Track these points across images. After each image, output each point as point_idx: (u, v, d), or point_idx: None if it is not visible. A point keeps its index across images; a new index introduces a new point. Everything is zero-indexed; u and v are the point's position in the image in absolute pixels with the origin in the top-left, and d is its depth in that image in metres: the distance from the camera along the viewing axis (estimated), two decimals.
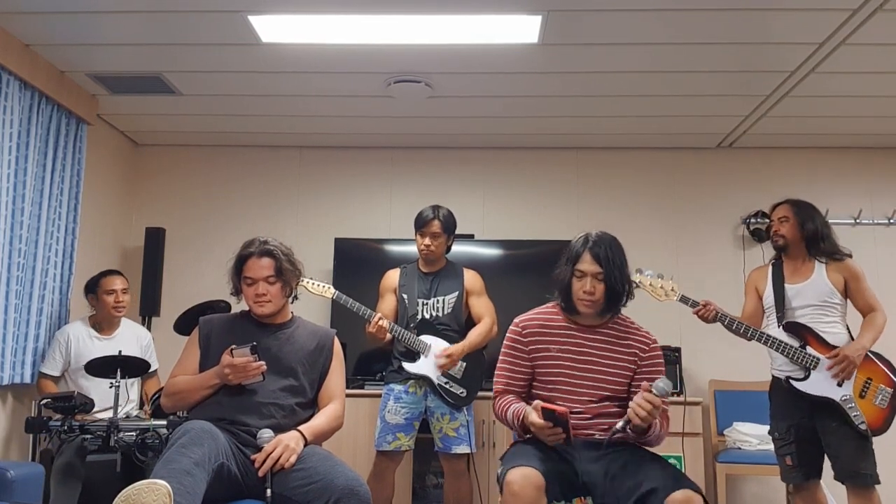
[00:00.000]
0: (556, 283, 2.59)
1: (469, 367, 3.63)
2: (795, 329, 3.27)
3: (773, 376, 3.41)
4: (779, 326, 3.32)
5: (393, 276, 3.80)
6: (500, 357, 2.65)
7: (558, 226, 5.00)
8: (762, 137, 4.88)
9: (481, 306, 3.74)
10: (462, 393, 3.60)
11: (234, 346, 2.58)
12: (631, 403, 2.33)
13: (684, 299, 3.29)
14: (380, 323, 3.48)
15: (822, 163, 5.06)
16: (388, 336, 3.56)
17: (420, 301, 3.68)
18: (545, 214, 5.06)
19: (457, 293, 3.71)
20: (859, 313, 3.33)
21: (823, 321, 3.27)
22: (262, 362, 2.59)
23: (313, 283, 3.58)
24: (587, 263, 2.51)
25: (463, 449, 3.59)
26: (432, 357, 3.59)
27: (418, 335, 3.61)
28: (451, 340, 3.64)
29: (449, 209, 3.73)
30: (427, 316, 3.67)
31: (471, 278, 3.77)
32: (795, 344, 3.25)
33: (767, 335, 3.27)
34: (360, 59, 3.79)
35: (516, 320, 2.66)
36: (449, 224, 3.68)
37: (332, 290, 3.60)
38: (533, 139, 5.02)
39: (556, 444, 2.38)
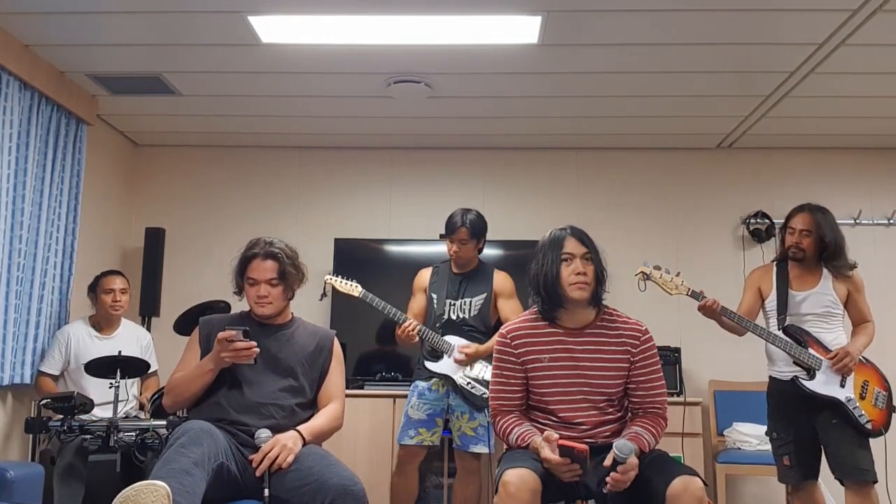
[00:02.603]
0: (536, 281, 2.48)
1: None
2: (796, 333, 3.28)
3: (770, 377, 3.42)
4: (779, 328, 3.33)
5: (424, 275, 3.82)
6: (492, 372, 2.57)
7: (558, 226, 4.99)
8: (762, 138, 4.88)
9: (509, 309, 3.70)
10: (483, 395, 3.57)
11: (227, 326, 2.58)
12: (609, 480, 2.20)
13: (694, 294, 3.27)
14: (408, 329, 3.52)
15: (821, 163, 5.06)
16: (417, 339, 3.58)
17: (448, 301, 3.69)
18: (545, 215, 5.06)
19: (485, 295, 3.70)
20: (851, 322, 3.39)
21: (823, 328, 3.31)
22: (255, 342, 2.57)
23: (341, 282, 3.61)
24: (573, 246, 2.47)
25: (480, 448, 3.59)
26: (455, 356, 3.62)
27: (443, 335, 3.62)
28: (477, 342, 3.64)
29: (478, 212, 3.70)
30: (453, 317, 3.67)
31: (501, 280, 3.75)
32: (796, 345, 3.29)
33: (775, 334, 3.29)
34: (359, 60, 3.79)
35: (502, 330, 2.58)
36: (477, 229, 3.66)
37: (360, 288, 3.62)
38: (533, 139, 5.02)
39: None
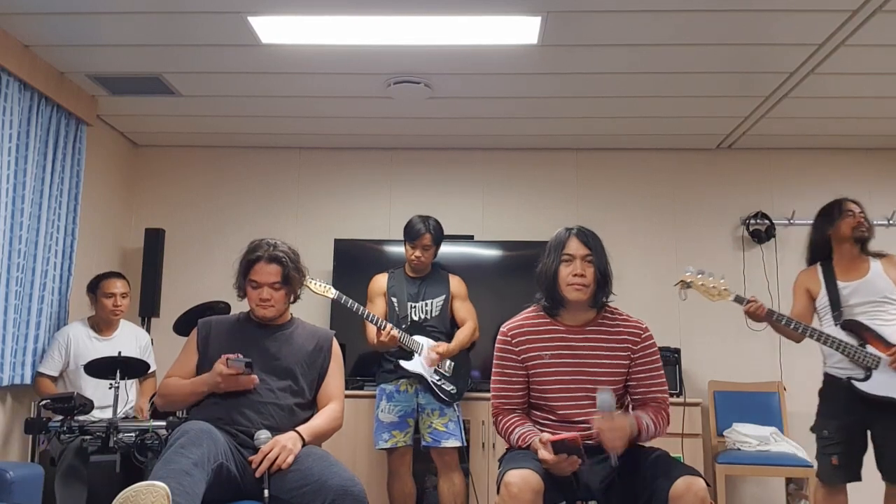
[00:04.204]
0: (540, 279, 2.52)
1: (457, 365, 3.78)
2: (854, 327, 3.16)
3: (826, 374, 3.30)
4: (835, 325, 3.21)
5: (381, 280, 3.91)
6: (493, 370, 2.57)
7: (557, 227, 4.88)
8: (762, 138, 4.88)
9: (465, 310, 3.90)
10: (452, 390, 3.72)
11: (229, 356, 2.57)
12: (595, 429, 2.28)
13: (738, 299, 3.18)
14: (392, 333, 3.57)
15: (821, 163, 5.06)
16: (398, 342, 3.62)
17: (409, 304, 3.80)
18: (544, 215, 5.06)
19: (444, 297, 3.85)
20: None
21: (882, 318, 3.16)
22: (255, 376, 2.59)
23: (315, 283, 3.62)
24: (575, 247, 2.48)
25: (452, 442, 3.67)
26: (425, 355, 3.70)
27: (411, 336, 3.71)
28: (439, 341, 3.78)
29: (437, 219, 3.83)
30: (416, 318, 3.79)
31: (456, 284, 3.92)
32: (854, 342, 3.15)
33: (827, 334, 3.17)
34: (359, 60, 3.79)
35: (503, 328, 2.58)
36: (438, 236, 3.81)
37: (334, 290, 3.65)
38: (532, 140, 5.02)
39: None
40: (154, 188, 5.20)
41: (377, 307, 3.83)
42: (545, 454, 2.25)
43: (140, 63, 3.87)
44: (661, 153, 5.14)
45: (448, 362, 3.75)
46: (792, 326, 3.20)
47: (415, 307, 3.79)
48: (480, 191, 5.14)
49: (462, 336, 3.80)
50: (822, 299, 3.31)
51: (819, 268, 3.36)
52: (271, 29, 3.45)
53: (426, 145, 5.14)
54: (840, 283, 3.26)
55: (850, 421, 3.17)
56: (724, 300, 3.17)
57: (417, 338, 3.72)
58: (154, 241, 4.82)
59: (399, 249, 4.82)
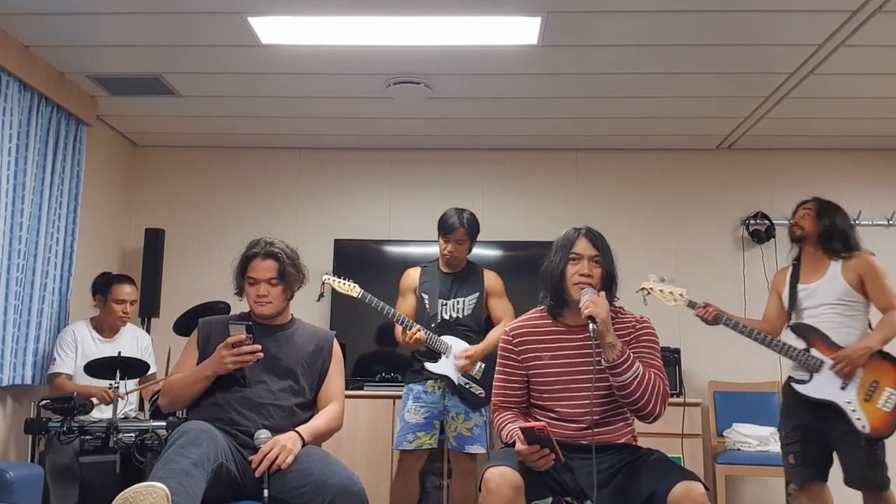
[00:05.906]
0: (545, 277, 2.52)
1: (488, 367, 3.61)
2: (802, 330, 3.21)
3: (789, 375, 3.32)
4: (787, 327, 3.27)
5: (413, 275, 3.78)
6: (496, 368, 2.60)
7: (557, 227, 4.85)
8: (761, 139, 4.88)
9: (501, 308, 3.73)
10: (481, 393, 3.59)
11: (230, 323, 2.58)
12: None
13: (691, 304, 3.28)
14: (417, 335, 3.46)
15: (821, 164, 5.06)
16: (424, 343, 3.53)
17: (440, 302, 3.67)
18: (544, 216, 5.06)
19: (477, 294, 3.71)
20: (880, 312, 3.16)
21: (838, 321, 3.16)
22: (258, 346, 2.58)
23: (339, 282, 3.58)
24: (583, 246, 2.48)
25: (476, 449, 3.58)
26: (453, 357, 3.59)
27: (439, 336, 3.60)
28: (471, 341, 3.64)
29: (472, 212, 3.70)
30: (447, 317, 3.66)
31: (491, 280, 3.76)
32: (800, 346, 3.19)
33: (770, 338, 3.22)
34: (359, 61, 3.79)
35: (506, 328, 2.61)
36: (473, 230, 3.67)
37: (358, 289, 3.58)
38: (532, 140, 5.02)
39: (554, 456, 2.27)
40: (154, 188, 5.20)
41: (407, 303, 3.72)
42: (519, 446, 2.27)
43: (140, 63, 3.87)
44: (661, 153, 5.14)
45: (479, 364, 3.60)
46: (738, 330, 3.25)
47: (446, 305, 3.66)
48: (480, 191, 5.13)
49: (493, 336, 3.60)
50: (785, 301, 3.35)
51: (790, 268, 3.41)
52: (271, 29, 3.45)
53: (426, 145, 5.14)
54: (800, 286, 3.29)
55: (802, 422, 3.20)
56: (679, 306, 3.31)
57: (446, 338, 3.60)
58: (154, 241, 4.82)
59: (399, 250, 4.84)
